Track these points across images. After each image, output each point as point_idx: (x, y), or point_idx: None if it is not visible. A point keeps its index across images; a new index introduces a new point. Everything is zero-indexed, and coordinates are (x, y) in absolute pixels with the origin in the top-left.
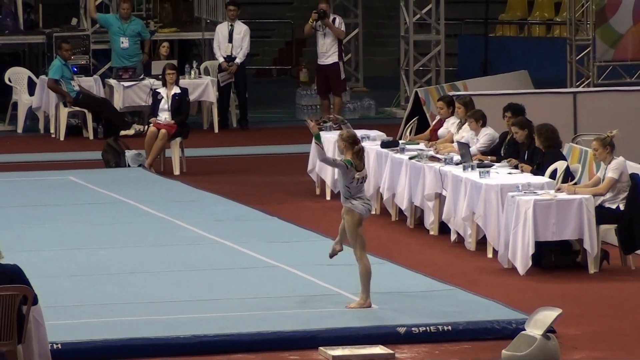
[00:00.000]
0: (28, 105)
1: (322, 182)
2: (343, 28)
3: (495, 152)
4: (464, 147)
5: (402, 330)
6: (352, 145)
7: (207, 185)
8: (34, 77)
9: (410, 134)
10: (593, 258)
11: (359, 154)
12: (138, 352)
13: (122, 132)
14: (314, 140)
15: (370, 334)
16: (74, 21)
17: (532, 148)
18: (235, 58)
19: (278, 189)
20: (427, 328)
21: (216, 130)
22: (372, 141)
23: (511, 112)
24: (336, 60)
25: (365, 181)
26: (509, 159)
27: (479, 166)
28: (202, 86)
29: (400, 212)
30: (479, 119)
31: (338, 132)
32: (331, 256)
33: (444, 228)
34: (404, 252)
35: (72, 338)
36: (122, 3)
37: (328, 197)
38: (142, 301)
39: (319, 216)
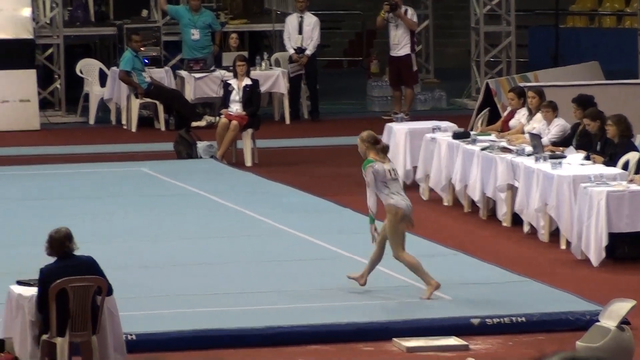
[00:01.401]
0: (99, 97)
1: None
2: (415, 19)
3: (567, 143)
4: (535, 138)
5: (476, 321)
6: (374, 145)
7: (278, 176)
8: (105, 69)
9: (481, 125)
10: None
11: (384, 150)
12: (212, 343)
13: (194, 124)
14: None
15: (444, 325)
16: (145, 13)
17: (604, 139)
18: (305, 49)
19: (349, 180)
20: (501, 319)
21: (287, 122)
22: (443, 132)
23: (577, 103)
24: (408, 52)
25: (397, 173)
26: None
27: (551, 157)
28: (273, 77)
29: (472, 203)
30: (555, 109)
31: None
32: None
33: (516, 219)
34: (476, 244)
35: (146, 329)
36: None
37: None
38: (215, 292)
39: None
